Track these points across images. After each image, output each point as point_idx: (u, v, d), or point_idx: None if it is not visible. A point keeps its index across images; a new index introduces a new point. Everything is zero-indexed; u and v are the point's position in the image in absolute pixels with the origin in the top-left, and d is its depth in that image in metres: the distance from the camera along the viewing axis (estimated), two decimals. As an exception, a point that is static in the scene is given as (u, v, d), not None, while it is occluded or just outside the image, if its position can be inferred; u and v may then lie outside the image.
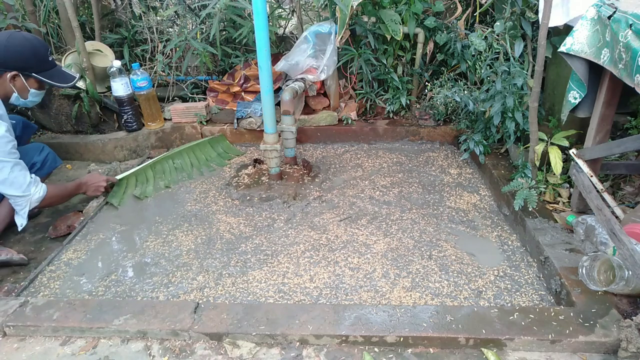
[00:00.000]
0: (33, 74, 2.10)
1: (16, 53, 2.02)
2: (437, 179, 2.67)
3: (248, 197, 2.51)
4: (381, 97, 3.17)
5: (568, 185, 2.21)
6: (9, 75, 2.04)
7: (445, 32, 2.94)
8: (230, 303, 1.73)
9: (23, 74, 2.08)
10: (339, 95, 3.22)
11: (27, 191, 2.02)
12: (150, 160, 2.84)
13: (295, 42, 2.98)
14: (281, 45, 3.33)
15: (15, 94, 2.11)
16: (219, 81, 3.22)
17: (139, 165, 2.78)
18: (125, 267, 2.04)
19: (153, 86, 3.05)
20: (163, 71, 3.22)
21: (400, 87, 3.06)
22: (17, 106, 2.31)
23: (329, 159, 2.97)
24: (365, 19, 2.92)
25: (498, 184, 2.38)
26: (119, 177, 2.65)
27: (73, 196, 2.41)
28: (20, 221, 2.10)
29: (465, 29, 3.01)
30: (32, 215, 2.42)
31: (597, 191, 1.83)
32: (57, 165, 2.49)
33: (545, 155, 2.15)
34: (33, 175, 2.07)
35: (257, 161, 2.80)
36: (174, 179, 2.78)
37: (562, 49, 1.84)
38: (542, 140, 2.14)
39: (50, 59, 2.17)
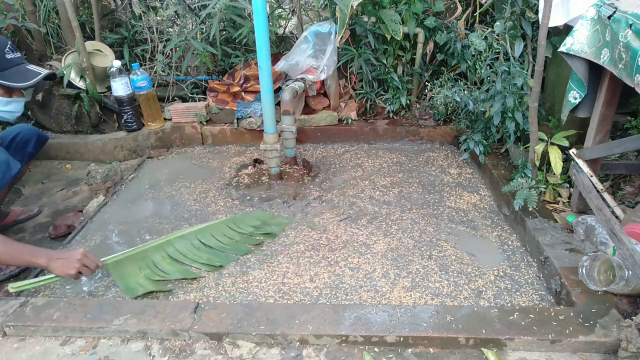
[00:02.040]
0: None
1: None
2: (437, 179, 2.67)
3: (248, 197, 2.51)
4: (381, 97, 3.17)
5: (568, 185, 2.21)
6: None
7: (445, 32, 2.94)
8: (230, 303, 1.73)
9: None
10: (339, 95, 3.22)
11: None
12: (157, 240, 2.10)
13: (295, 42, 2.98)
14: (281, 45, 3.33)
15: None
16: (219, 81, 3.22)
17: (138, 164, 2.66)
18: (125, 267, 2.03)
19: (153, 86, 3.05)
20: (163, 71, 3.22)
21: (400, 87, 3.06)
22: None
23: (329, 159, 2.97)
24: (365, 18, 2.92)
25: (498, 184, 2.38)
26: (106, 260, 1.88)
27: (29, 265, 1.81)
28: None
29: (465, 29, 3.01)
30: (32, 215, 2.43)
31: (597, 191, 1.83)
32: (13, 173, 1.89)
33: (545, 155, 2.15)
34: None
35: (257, 161, 2.80)
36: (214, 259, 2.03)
37: (562, 49, 1.84)
38: (542, 140, 2.14)
39: (9, 56, 1.81)
